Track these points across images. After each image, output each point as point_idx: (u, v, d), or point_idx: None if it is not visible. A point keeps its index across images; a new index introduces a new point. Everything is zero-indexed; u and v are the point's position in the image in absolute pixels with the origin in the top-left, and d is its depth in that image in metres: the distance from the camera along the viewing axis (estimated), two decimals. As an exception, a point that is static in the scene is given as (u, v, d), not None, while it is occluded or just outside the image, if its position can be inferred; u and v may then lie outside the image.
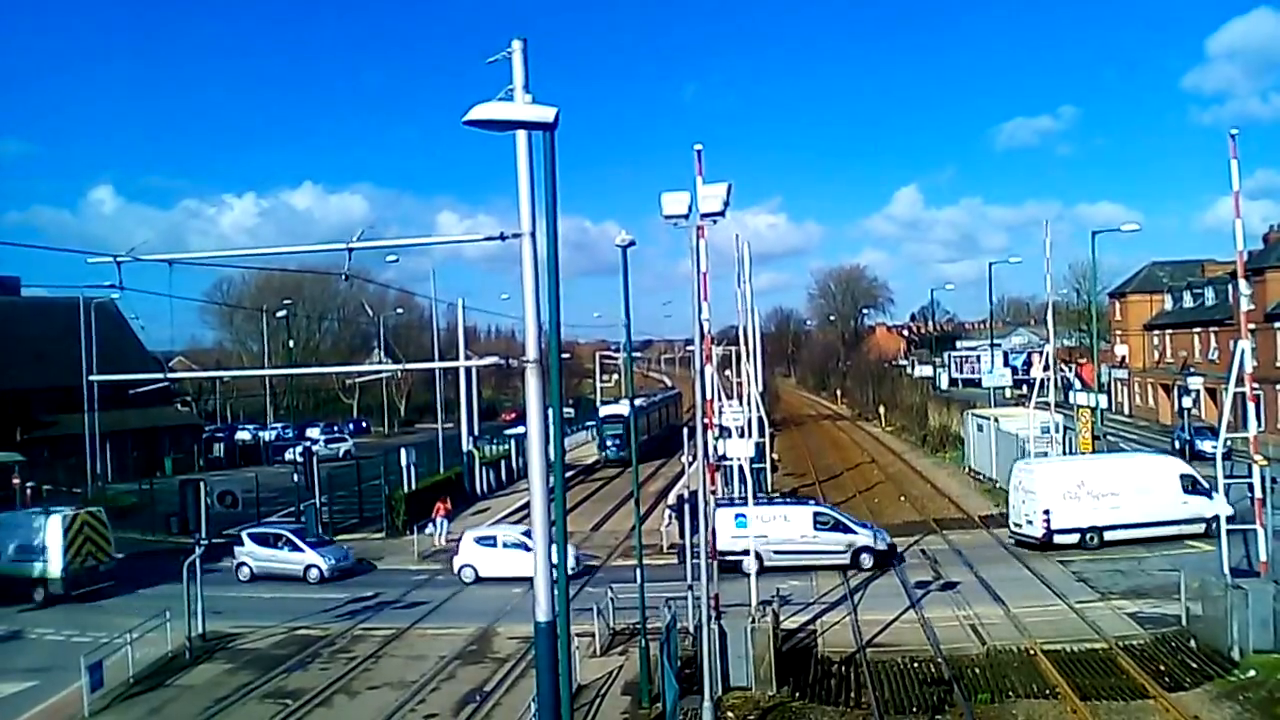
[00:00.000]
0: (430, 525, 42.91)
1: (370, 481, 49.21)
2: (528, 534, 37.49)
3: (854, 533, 35.59)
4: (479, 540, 36.64)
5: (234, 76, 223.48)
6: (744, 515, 30.75)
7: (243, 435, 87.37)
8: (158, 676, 25.57)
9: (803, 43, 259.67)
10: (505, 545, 35.72)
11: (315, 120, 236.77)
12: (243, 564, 37.19)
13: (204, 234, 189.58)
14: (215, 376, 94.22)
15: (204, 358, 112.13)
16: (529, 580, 13.76)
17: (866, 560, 34.87)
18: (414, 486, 49.09)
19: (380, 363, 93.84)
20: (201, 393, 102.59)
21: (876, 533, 36.34)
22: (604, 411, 74.52)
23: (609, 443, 68.44)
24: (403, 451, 50.57)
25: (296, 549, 37.08)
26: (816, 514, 36.18)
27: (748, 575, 25.51)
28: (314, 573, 36.46)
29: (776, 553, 34.30)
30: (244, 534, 38.18)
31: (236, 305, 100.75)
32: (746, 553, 27.20)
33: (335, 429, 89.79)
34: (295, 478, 46.76)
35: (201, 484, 30.05)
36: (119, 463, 61.38)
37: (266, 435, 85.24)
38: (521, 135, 12.74)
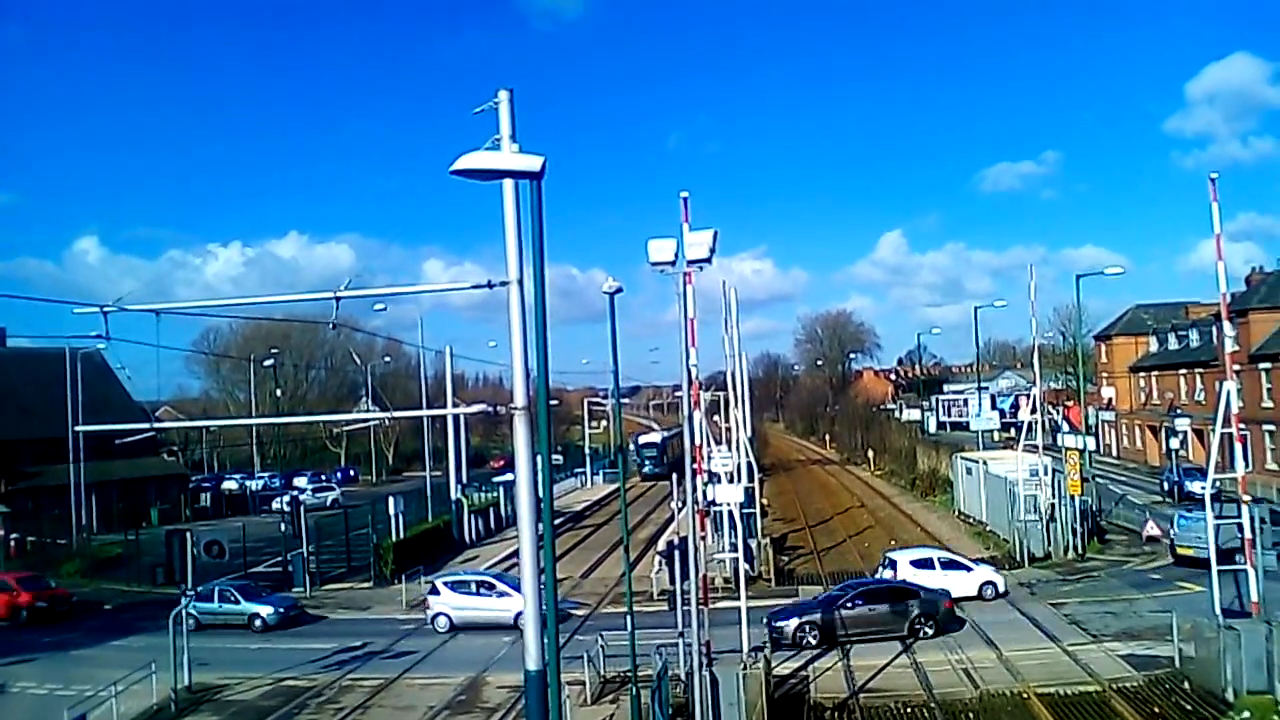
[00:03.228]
0: None
1: (358, 530, 48.88)
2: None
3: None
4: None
5: (219, 126, 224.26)
6: None
7: (229, 485, 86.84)
8: (143, 730, 25.24)
9: (787, 90, 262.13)
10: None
11: (301, 170, 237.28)
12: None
13: (189, 284, 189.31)
14: (202, 426, 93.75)
15: (190, 407, 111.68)
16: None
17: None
18: (402, 535, 48.81)
19: (368, 411, 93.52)
20: (188, 442, 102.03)
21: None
22: (641, 440, 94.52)
23: (646, 463, 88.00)
24: (391, 500, 50.32)
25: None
26: None
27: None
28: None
29: None
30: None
31: (223, 354, 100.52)
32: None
33: (323, 478, 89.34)
34: (283, 527, 46.53)
35: (188, 534, 29.95)
36: (104, 513, 60.93)
37: (254, 484, 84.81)
38: (508, 184, 12.85)
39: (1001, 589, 36.40)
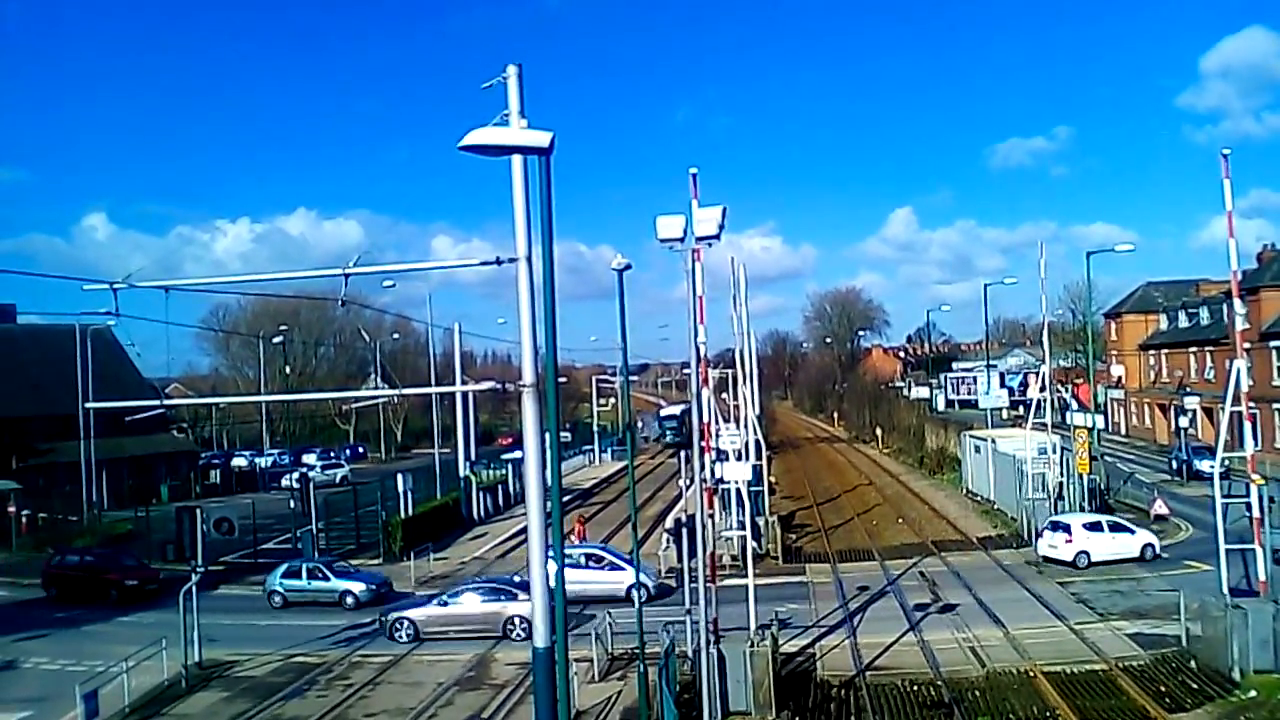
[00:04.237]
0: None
1: (367, 507, 49.02)
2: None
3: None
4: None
5: (228, 102, 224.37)
6: None
7: (239, 462, 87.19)
8: (154, 705, 25.37)
9: (795, 65, 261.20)
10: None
11: (309, 146, 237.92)
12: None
13: (198, 260, 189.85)
14: (211, 403, 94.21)
15: (200, 384, 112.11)
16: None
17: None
18: (411, 512, 48.97)
19: (377, 388, 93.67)
20: (198, 419, 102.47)
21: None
22: (663, 412, 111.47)
23: (667, 433, 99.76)
24: (399, 477, 50.45)
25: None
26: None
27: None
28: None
29: None
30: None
31: (233, 331, 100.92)
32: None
33: (332, 455, 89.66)
34: (292, 504, 46.64)
35: (198, 511, 29.95)
36: (115, 490, 61.27)
37: (263, 461, 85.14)
38: (517, 160, 12.77)
39: (1158, 550, 38.09)
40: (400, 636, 31.00)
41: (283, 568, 37.94)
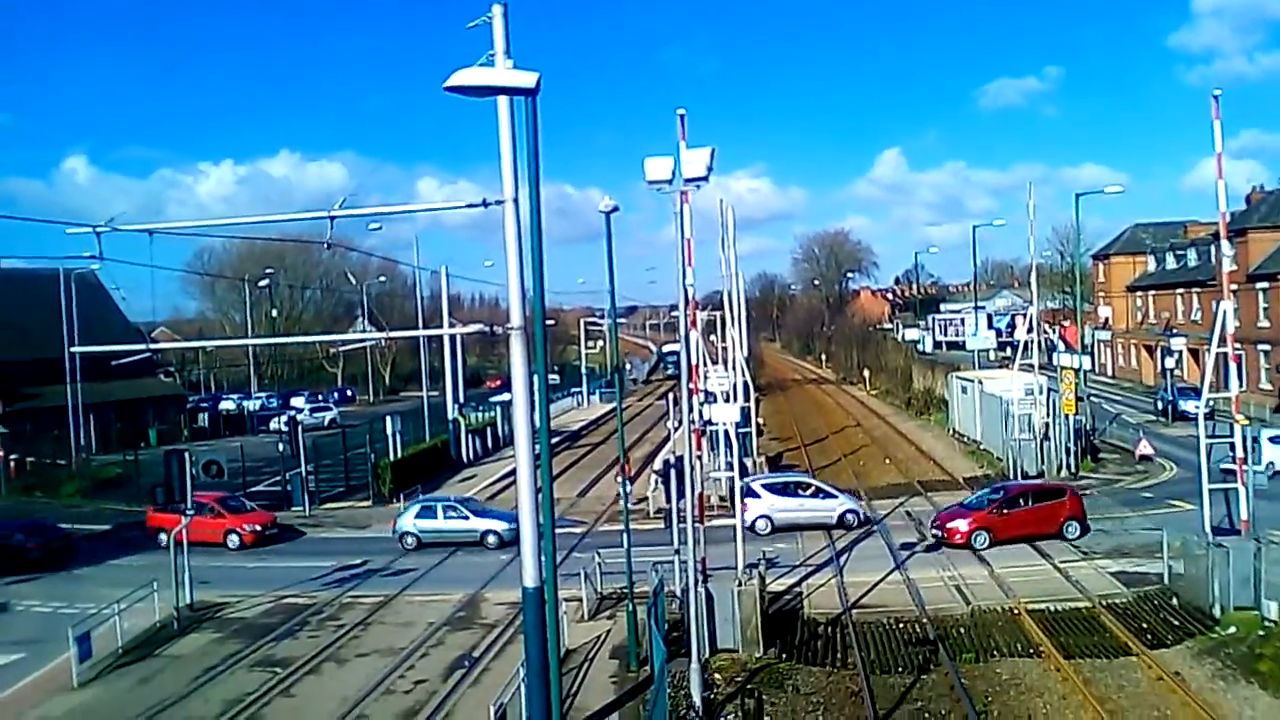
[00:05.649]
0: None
1: (356, 450, 49.10)
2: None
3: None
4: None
5: (209, 43, 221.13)
6: None
7: (227, 405, 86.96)
8: (146, 647, 25.53)
9: (784, 4, 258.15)
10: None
11: (293, 87, 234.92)
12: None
13: (182, 203, 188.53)
14: (198, 347, 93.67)
15: (186, 328, 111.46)
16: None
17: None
18: (400, 454, 49.06)
19: (364, 331, 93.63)
20: (185, 363, 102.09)
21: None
22: (665, 349, 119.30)
23: (670, 367, 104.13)
24: (388, 419, 50.49)
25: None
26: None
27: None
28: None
29: None
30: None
31: (218, 275, 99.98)
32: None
33: (320, 398, 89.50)
34: (280, 447, 46.67)
35: (186, 454, 29.92)
36: (103, 434, 61.15)
37: (251, 405, 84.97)
38: (503, 101, 12.66)
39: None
40: None
41: (414, 507, 36.88)
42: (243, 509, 38.48)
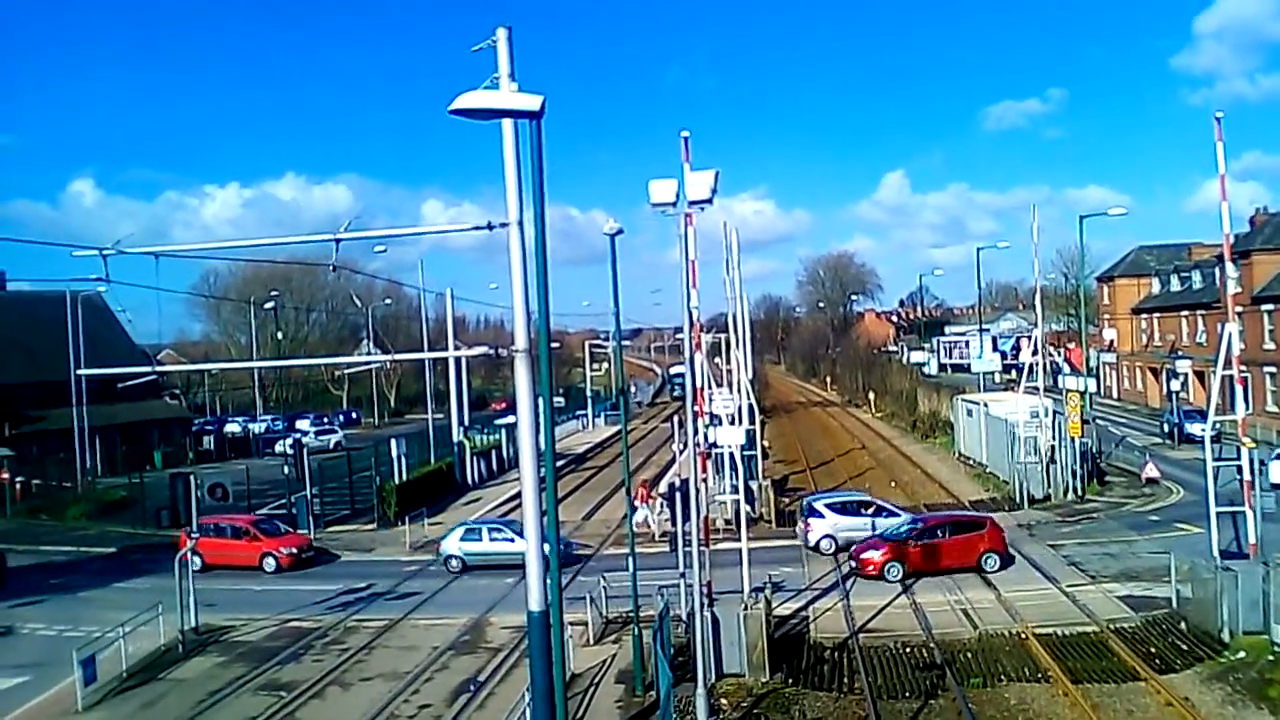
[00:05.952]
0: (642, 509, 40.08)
1: (361, 472, 49.04)
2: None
3: None
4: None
5: (215, 66, 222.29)
6: None
7: (232, 428, 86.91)
8: (151, 670, 25.48)
9: (787, 26, 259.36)
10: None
11: (299, 110, 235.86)
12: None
13: (187, 226, 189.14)
14: (204, 369, 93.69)
15: (192, 350, 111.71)
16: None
17: None
18: (405, 477, 49.04)
19: (369, 354, 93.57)
20: (190, 385, 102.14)
21: None
22: (672, 371, 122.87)
23: (677, 388, 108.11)
24: (393, 442, 50.46)
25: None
26: None
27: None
28: None
29: None
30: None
31: (224, 297, 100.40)
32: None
33: (325, 420, 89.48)
34: (286, 469, 46.62)
35: (191, 477, 29.94)
36: (108, 457, 61.19)
37: (256, 427, 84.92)
38: (508, 124, 12.68)
39: None
40: None
41: (459, 530, 36.52)
42: (277, 532, 38.14)
